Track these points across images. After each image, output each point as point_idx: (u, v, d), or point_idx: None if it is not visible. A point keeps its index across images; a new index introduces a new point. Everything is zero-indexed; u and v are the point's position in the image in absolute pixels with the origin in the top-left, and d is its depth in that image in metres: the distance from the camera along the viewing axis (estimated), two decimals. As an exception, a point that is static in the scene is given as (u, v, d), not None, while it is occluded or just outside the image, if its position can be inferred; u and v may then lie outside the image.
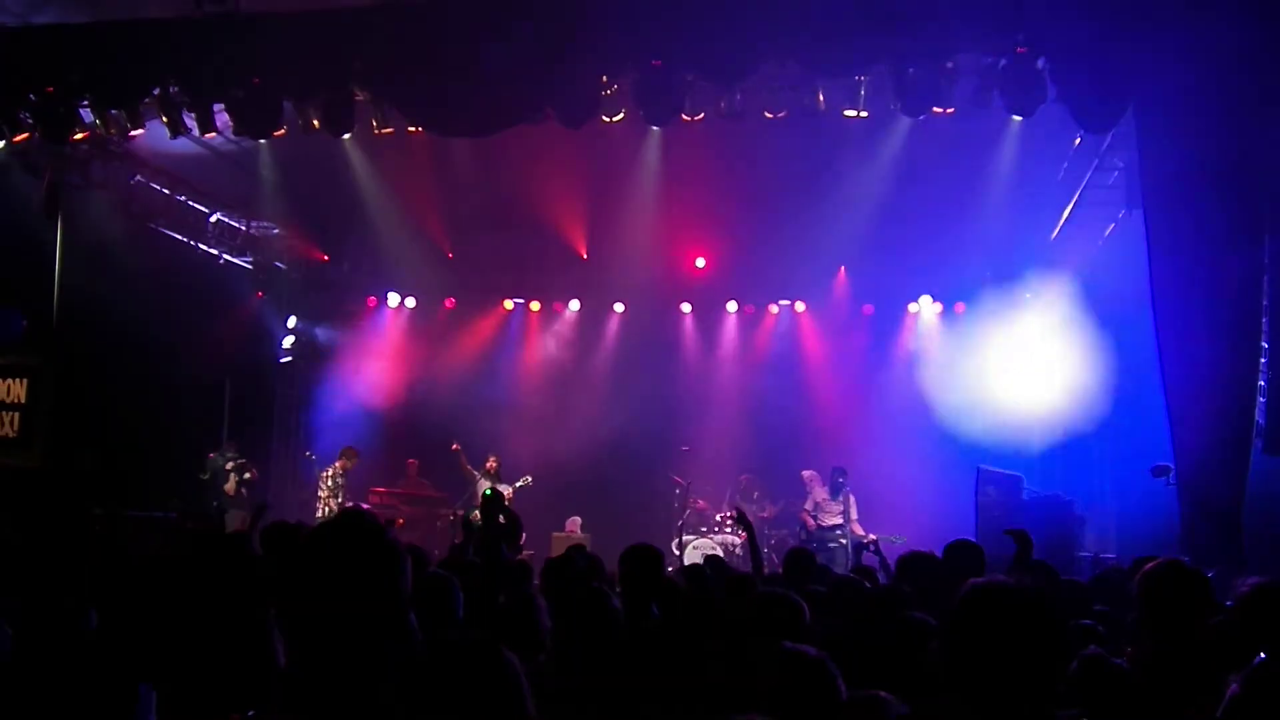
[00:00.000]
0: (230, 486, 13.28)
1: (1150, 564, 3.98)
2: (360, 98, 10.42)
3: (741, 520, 7.87)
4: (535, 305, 16.48)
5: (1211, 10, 8.14)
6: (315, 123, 10.57)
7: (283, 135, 10.70)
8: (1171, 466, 8.74)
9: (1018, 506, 10.25)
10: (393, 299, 16.50)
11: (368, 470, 14.37)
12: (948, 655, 2.46)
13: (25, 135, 10.99)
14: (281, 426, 16.01)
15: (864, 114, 10.23)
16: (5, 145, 11.13)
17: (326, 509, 13.30)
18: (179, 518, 10.86)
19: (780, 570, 7.40)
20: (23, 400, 11.81)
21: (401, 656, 2.34)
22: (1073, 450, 12.57)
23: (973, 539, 6.54)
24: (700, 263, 15.66)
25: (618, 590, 4.73)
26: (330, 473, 13.65)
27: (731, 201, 13.88)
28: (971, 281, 14.16)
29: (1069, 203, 12.16)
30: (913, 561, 5.61)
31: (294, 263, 15.95)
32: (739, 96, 10.07)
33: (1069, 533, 10.30)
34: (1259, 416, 8.47)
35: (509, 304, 16.50)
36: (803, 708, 2.78)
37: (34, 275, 11.66)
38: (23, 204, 11.51)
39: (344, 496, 13.48)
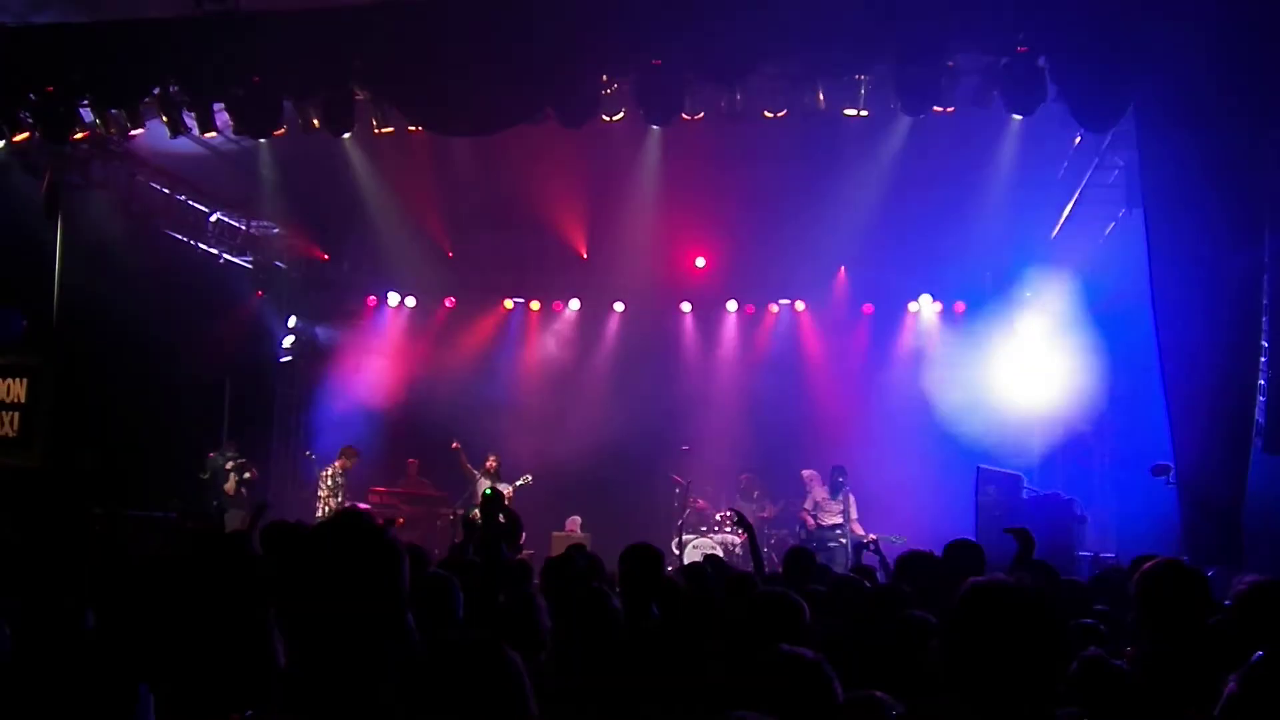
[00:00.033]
0: (230, 486, 13.28)
1: (1148, 563, 3.98)
2: (360, 97, 10.42)
3: (741, 522, 7.88)
4: (535, 305, 16.48)
5: (1211, 9, 8.14)
6: (315, 122, 10.58)
7: (283, 134, 10.70)
8: (1171, 465, 8.74)
9: (1017, 505, 10.26)
10: (393, 298, 16.50)
11: (368, 470, 14.37)
12: (948, 654, 2.46)
13: (25, 135, 10.98)
14: (281, 426, 16.01)
15: (864, 113, 10.22)
16: (5, 145, 11.13)
17: (326, 508, 13.30)
18: (179, 517, 10.86)
19: (780, 570, 7.40)
20: (23, 400, 11.82)
21: (401, 656, 2.34)
22: (1073, 449, 12.57)
23: (973, 538, 6.54)
24: (700, 262, 15.65)
25: (617, 590, 4.73)
26: (330, 472, 13.65)
27: (731, 201, 13.87)
28: (972, 281, 14.17)
29: (1069, 201, 12.14)
30: (912, 561, 5.62)
31: (294, 262, 15.95)
32: (739, 96, 10.06)
33: (1069, 532, 10.28)
34: (1259, 415, 8.47)
35: (509, 303, 16.50)
36: (800, 710, 2.78)
37: (34, 275, 11.66)
38: (23, 204, 11.51)
39: (344, 496, 13.48)
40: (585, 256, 15.34)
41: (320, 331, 16.33)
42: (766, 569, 7.93)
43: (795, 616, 3.64)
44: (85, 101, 10.58)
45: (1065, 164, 11.86)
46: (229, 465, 13.40)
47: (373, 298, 16.56)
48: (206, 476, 13.40)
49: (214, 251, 14.68)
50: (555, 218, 14.62)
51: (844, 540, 12.53)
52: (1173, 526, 8.63)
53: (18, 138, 11.03)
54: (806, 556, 6.77)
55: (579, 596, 4.19)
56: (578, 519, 13.89)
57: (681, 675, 3.73)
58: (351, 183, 13.37)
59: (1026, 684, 2.34)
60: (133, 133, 11.02)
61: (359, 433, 14.72)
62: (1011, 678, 2.34)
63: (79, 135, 11.13)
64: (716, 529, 13.49)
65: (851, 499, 12.79)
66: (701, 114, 10.29)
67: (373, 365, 15.80)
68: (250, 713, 2.56)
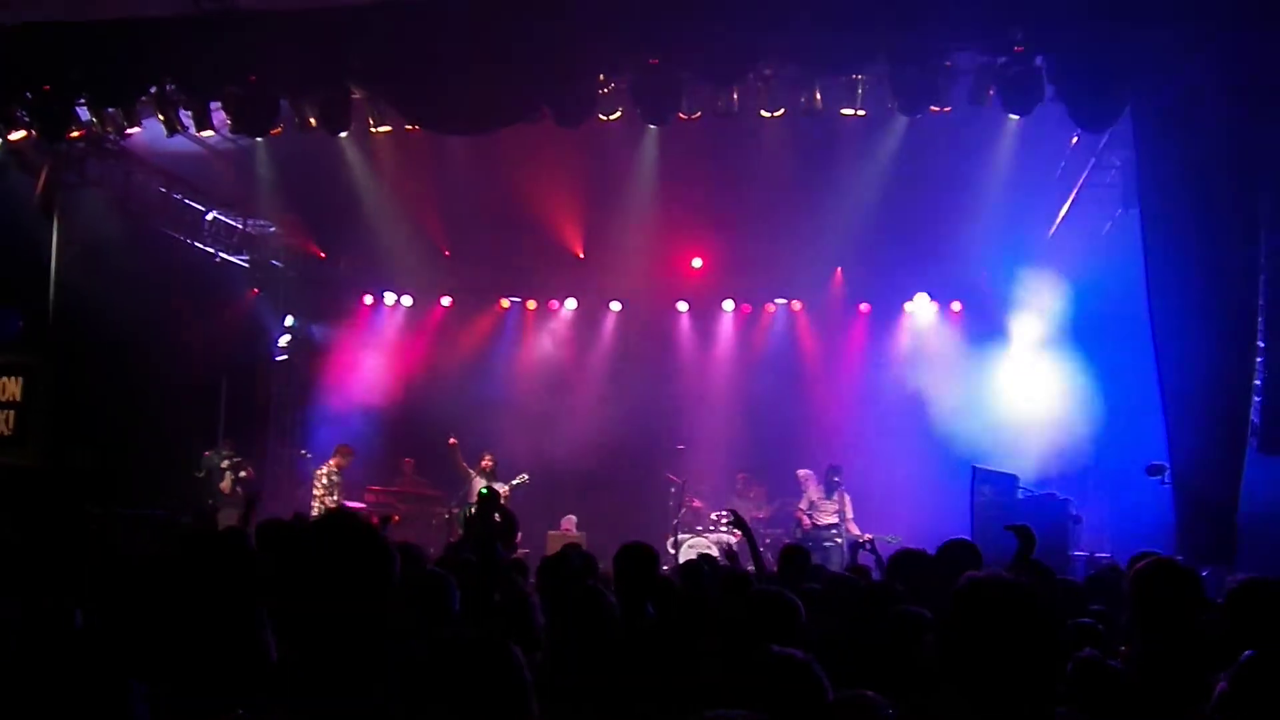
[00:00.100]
0: (225, 484, 13.25)
1: (1141, 563, 3.98)
2: (357, 95, 10.42)
3: (737, 522, 7.87)
4: (532, 304, 16.49)
5: (1210, 9, 8.15)
6: (312, 120, 10.56)
7: (279, 133, 10.69)
8: (1167, 465, 8.75)
9: (1013, 505, 10.24)
10: (389, 297, 16.50)
11: (364, 468, 14.36)
12: (945, 649, 2.45)
13: (22, 133, 10.97)
14: (277, 424, 15.99)
15: (861, 113, 10.22)
16: (2, 144, 11.12)
17: (321, 506, 13.28)
18: (170, 515, 10.83)
19: (775, 569, 7.40)
20: (19, 398, 11.78)
21: (401, 655, 2.33)
22: (1068, 449, 12.57)
23: (968, 538, 6.53)
24: (697, 262, 15.65)
25: (613, 589, 4.73)
26: (325, 470, 13.62)
27: (728, 200, 13.86)
28: (968, 280, 14.16)
29: (1066, 201, 12.16)
30: (905, 560, 5.61)
31: (290, 261, 15.92)
32: (736, 95, 10.06)
33: (1064, 532, 10.27)
34: (1254, 416, 8.49)
35: (505, 302, 16.50)
36: (790, 710, 2.78)
37: (30, 273, 11.63)
38: (19, 202, 11.49)
39: (339, 494, 13.47)
40: (582, 256, 15.33)
41: (316, 330, 16.32)
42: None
43: (791, 615, 3.64)
44: (82, 100, 10.56)
45: (1062, 164, 11.88)
46: (225, 463, 13.37)
47: (369, 296, 16.55)
48: (202, 475, 13.37)
49: (210, 250, 14.64)
50: (552, 217, 14.60)
51: (839, 540, 12.53)
52: (1168, 526, 8.64)
53: (14, 136, 11.02)
54: (801, 555, 6.77)
55: (574, 595, 4.19)
56: (573, 518, 13.88)
57: (676, 674, 3.73)
58: (348, 182, 13.35)
59: (1025, 679, 2.32)
60: (129, 131, 11.02)
61: (355, 431, 14.72)
62: (1009, 672, 2.32)
63: (75, 134, 11.12)
64: (712, 528, 13.49)
65: (847, 498, 12.80)
66: (699, 114, 10.28)
67: (369, 364, 15.80)
68: (241, 711, 2.55)
